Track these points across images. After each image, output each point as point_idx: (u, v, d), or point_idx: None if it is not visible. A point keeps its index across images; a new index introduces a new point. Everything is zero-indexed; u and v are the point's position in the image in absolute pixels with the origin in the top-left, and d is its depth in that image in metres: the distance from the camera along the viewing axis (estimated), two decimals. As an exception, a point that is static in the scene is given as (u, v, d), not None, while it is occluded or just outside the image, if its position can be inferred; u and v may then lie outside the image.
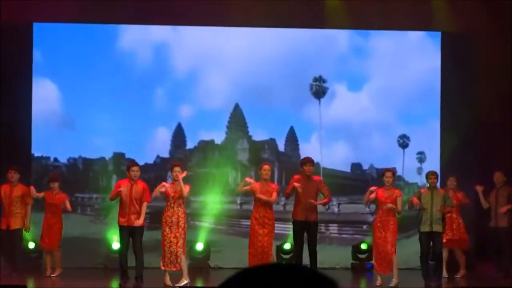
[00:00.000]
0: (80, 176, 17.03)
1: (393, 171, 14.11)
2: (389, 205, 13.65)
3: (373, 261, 14.13)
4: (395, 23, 16.70)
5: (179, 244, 13.33)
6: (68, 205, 14.77)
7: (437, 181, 13.87)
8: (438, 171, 16.43)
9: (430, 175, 13.87)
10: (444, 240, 14.38)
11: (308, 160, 14.10)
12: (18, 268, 14.54)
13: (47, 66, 16.85)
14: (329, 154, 17.26)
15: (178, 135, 17.29)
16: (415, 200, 13.56)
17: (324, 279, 1.98)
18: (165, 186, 13.48)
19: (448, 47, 17.00)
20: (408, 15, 16.35)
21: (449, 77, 16.92)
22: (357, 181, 17.28)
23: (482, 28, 16.37)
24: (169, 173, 14.29)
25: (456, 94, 16.84)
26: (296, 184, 13.65)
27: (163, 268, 13.43)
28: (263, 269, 1.99)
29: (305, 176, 13.91)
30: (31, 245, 15.76)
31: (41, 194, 14.81)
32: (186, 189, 13.41)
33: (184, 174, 13.52)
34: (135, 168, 13.52)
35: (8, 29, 16.03)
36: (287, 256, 15.70)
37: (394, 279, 13.60)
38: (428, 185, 13.78)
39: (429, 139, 17.12)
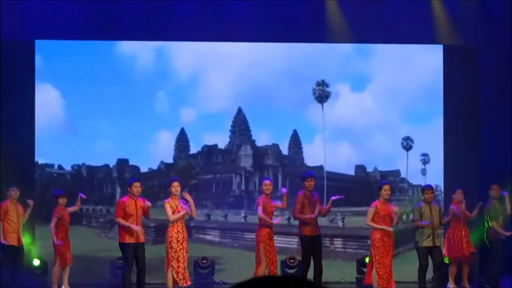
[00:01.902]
0: (84, 184, 17.03)
1: (389, 185, 14.00)
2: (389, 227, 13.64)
3: (375, 277, 13.96)
4: (397, 37, 16.59)
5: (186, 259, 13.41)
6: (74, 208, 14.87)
7: (433, 196, 13.90)
8: (441, 173, 16.57)
9: (427, 190, 13.88)
10: (452, 256, 14.73)
11: (310, 176, 14.09)
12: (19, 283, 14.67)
13: (49, 72, 16.78)
14: (332, 156, 17.24)
15: (182, 140, 17.28)
16: (419, 224, 13.62)
17: None
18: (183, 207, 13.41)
19: (450, 60, 16.92)
20: (410, 29, 16.24)
21: (452, 80, 16.86)
22: (361, 184, 17.27)
23: (483, 41, 16.32)
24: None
25: (459, 95, 16.77)
26: (309, 217, 13.69)
27: (180, 284, 13.30)
28: (260, 282, 1.99)
29: (308, 191, 13.95)
30: (36, 262, 15.82)
31: (54, 221, 14.76)
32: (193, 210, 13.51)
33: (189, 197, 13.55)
34: (137, 184, 13.43)
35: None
36: (292, 271, 15.72)
37: None
38: (424, 199, 13.78)
39: (432, 141, 17.06)
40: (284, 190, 14.05)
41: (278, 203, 13.81)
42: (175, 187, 13.40)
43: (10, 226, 14.47)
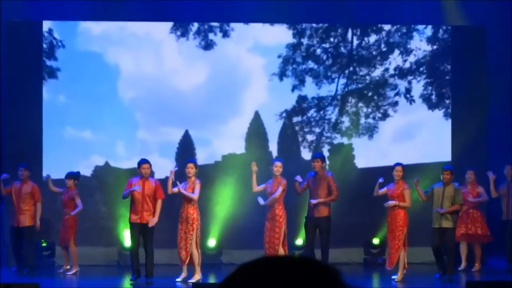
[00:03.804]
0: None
1: (402, 165, 13.94)
2: (390, 202, 13.62)
3: (385, 257, 14.08)
4: (405, 18, 16.53)
5: (188, 240, 13.42)
6: (77, 201, 14.71)
7: (451, 177, 13.77)
8: (449, 154, 16.50)
9: (444, 171, 13.81)
10: (461, 233, 14.77)
11: (315, 156, 14.21)
12: (28, 266, 14.62)
13: (56, 51, 16.60)
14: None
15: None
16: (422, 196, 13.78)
17: (327, 268, 1.99)
18: (179, 186, 13.47)
19: (458, 40, 16.84)
20: (418, 9, 16.17)
21: (460, 60, 16.79)
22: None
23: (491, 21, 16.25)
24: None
25: (468, 75, 16.70)
26: (297, 179, 13.86)
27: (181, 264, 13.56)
28: (265, 261, 2.02)
29: (313, 172, 13.98)
30: (44, 243, 15.80)
31: (57, 190, 14.86)
32: (195, 194, 13.50)
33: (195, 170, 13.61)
34: (145, 165, 13.56)
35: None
36: (299, 252, 15.68)
37: (398, 274, 13.63)
38: (443, 180, 13.75)
39: (441, 120, 16.95)
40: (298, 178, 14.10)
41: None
42: (188, 168, 13.54)
43: (10, 208, 14.60)
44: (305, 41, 16.93)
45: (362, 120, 17.01)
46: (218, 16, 16.49)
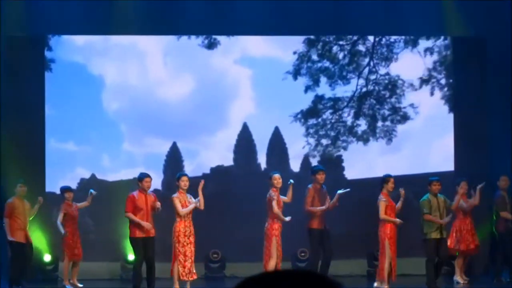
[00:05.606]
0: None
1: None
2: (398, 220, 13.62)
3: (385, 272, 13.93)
4: (406, 29, 16.55)
5: (193, 253, 13.42)
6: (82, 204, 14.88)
7: (441, 187, 13.82)
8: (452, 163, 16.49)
9: (435, 182, 13.86)
10: (459, 248, 14.68)
11: (321, 169, 14.22)
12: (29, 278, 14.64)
13: (58, 64, 16.61)
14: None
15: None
16: (436, 220, 13.67)
17: (329, 281, 2.02)
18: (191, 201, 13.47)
19: (459, 51, 16.86)
20: (419, 21, 16.20)
21: (461, 71, 16.81)
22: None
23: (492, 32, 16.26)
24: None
25: (469, 86, 16.70)
26: (321, 209, 13.83)
27: (185, 278, 13.39)
28: (272, 276, 2.05)
29: (318, 185, 14.01)
30: (47, 257, 15.81)
31: (61, 216, 14.75)
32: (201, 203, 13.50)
33: (202, 183, 13.52)
34: (148, 179, 13.49)
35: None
36: (303, 264, 15.67)
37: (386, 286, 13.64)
38: (431, 191, 13.80)
39: (442, 131, 16.92)
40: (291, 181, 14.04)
41: (284, 198, 13.78)
42: (184, 181, 13.47)
43: (16, 223, 14.50)
44: (322, 37, 16.85)
45: (379, 123, 16.95)
46: (214, 30, 16.57)
